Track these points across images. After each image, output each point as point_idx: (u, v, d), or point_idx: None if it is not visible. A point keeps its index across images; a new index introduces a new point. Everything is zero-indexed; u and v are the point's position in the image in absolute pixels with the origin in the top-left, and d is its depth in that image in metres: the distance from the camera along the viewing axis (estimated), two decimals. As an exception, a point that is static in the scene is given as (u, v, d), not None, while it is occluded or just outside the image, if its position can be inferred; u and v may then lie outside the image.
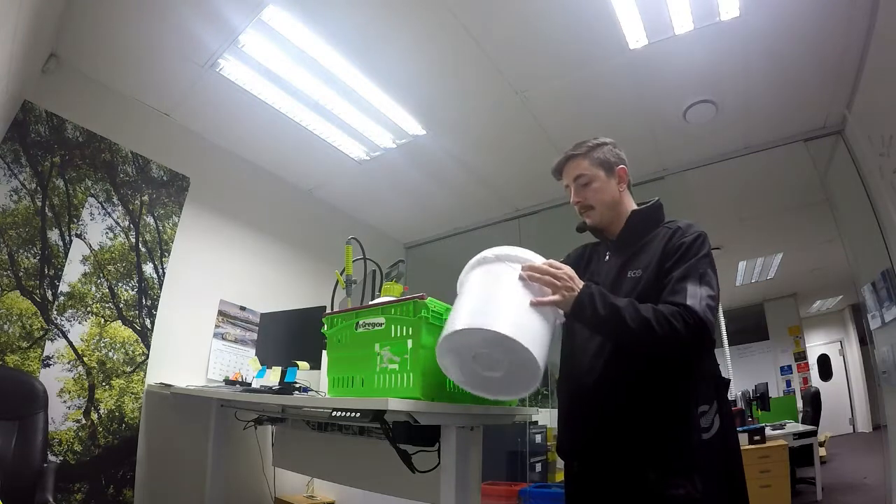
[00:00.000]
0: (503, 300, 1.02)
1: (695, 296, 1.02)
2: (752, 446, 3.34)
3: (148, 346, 2.56)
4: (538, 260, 1.08)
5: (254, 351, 2.82)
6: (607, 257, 1.28)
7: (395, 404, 1.06)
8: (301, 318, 2.43)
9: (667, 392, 1.05)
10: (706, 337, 1.00)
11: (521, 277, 1.04)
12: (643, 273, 1.14)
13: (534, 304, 1.00)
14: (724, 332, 5.82)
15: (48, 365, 2.19)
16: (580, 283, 1.04)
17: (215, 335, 2.90)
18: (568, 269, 1.05)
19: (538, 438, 3.72)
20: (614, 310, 1.00)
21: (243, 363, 2.94)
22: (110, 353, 2.41)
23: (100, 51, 2.38)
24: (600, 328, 1.06)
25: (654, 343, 0.99)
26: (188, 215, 2.88)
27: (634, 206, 1.29)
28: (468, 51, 2.31)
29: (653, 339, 0.98)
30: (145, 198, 2.69)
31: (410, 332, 1.17)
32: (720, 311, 5.85)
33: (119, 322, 2.48)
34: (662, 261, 1.12)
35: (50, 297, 2.24)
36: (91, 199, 2.47)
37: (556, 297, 1.01)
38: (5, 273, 2.12)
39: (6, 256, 2.13)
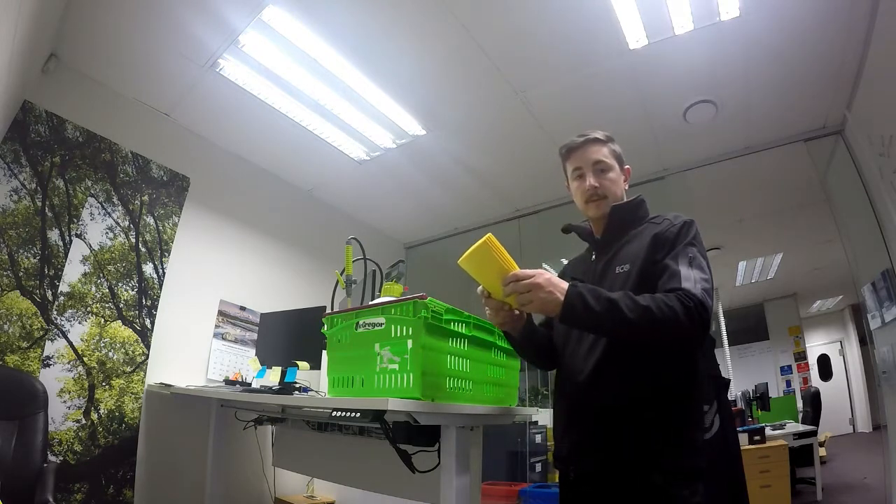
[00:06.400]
0: None
1: (688, 279, 0.99)
2: (752, 446, 3.34)
3: (148, 346, 2.56)
4: None
5: (254, 351, 2.82)
6: (594, 256, 1.26)
7: (395, 404, 1.06)
8: (301, 318, 2.43)
9: (664, 390, 1.02)
10: (706, 319, 0.95)
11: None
12: (631, 267, 1.11)
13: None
14: (724, 332, 5.83)
15: (48, 365, 2.19)
16: (561, 286, 0.97)
17: (215, 335, 2.90)
18: (540, 277, 0.97)
19: (538, 438, 3.72)
20: (610, 303, 0.94)
21: (243, 363, 2.94)
22: (110, 353, 2.41)
23: (100, 51, 2.38)
24: (597, 326, 0.99)
25: (654, 331, 0.94)
26: (188, 215, 2.87)
27: None
28: (468, 51, 2.31)
29: (653, 326, 0.92)
30: (145, 198, 2.69)
31: (410, 332, 1.17)
32: (720, 309, 5.88)
33: (119, 322, 2.48)
34: (652, 252, 1.10)
35: (50, 297, 2.24)
36: (91, 199, 2.47)
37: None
38: (5, 273, 2.12)
39: (6, 256, 2.12)
